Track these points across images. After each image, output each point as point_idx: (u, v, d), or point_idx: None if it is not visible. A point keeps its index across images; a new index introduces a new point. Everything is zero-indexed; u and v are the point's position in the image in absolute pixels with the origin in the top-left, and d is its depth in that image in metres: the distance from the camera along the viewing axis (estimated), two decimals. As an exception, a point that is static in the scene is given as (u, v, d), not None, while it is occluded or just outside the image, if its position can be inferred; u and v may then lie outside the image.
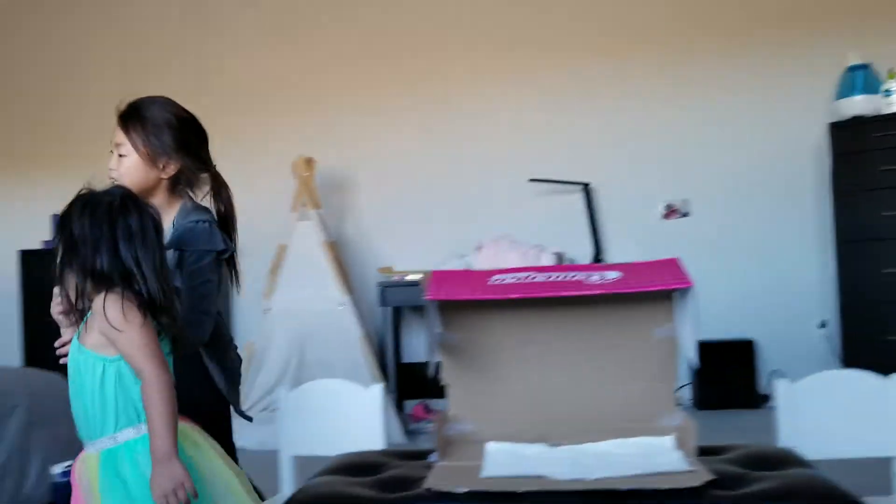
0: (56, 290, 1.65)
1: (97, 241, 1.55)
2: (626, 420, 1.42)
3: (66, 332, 1.71)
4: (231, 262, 2.09)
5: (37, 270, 4.77)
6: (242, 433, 4.34)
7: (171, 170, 1.99)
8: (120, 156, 1.96)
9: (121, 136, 1.96)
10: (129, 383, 1.54)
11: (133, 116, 1.97)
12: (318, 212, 4.77)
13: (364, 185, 5.16)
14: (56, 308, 1.72)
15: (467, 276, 1.49)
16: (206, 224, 2.00)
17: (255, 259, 5.17)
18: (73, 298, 1.59)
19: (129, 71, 5.27)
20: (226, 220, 2.08)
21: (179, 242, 1.96)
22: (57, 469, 2.88)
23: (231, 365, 2.18)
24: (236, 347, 2.24)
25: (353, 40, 5.17)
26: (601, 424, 1.41)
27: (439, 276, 1.46)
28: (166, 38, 5.34)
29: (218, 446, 1.73)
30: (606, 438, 1.38)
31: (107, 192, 1.63)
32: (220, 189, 2.09)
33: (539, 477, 1.25)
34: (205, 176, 2.06)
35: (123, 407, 1.54)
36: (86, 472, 1.57)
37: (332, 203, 5.06)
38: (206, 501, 1.56)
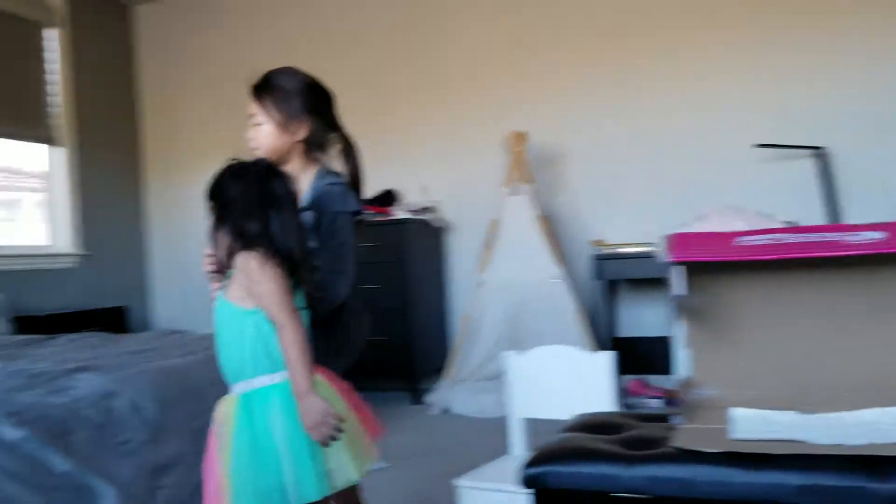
0: (207, 250, 1.85)
1: (247, 204, 1.72)
2: (890, 388, 1.33)
3: (214, 288, 1.88)
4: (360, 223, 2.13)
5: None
6: (459, 401, 4.57)
7: (302, 133, 2.07)
8: (256, 125, 2.08)
9: (254, 107, 2.07)
10: (266, 334, 1.67)
11: (264, 86, 2.08)
12: (529, 186, 4.82)
13: (575, 159, 5.14)
14: (207, 267, 1.90)
15: (710, 237, 1.46)
16: (341, 186, 2.07)
17: (468, 233, 5.34)
18: (223, 257, 1.75)
19: (341, 46, 5.58)
20: (355, 181, 2.13)
21: (316, 204, 2.04)
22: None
23: (344, 331, 2.12)
24: (368, 319, 2.23)
25: (565, 15, 5.15)
26: (861, 392, 1.33)
27: (682, 238, 1.44)
28: (383, 16, 5.59)
29: (344, 404, 1.79)
30: (867, 407, 1.31)
31: (253, 163, 1.82)
32: (349, 150, 2.14)
33: (795, 441, 1.21)
34: (334, 138, 2.13)
35: (260, 356, 1.68)
36: (224, 411, 1.73)
37: (543, 177, 5.10)
38: (300, 455, 1.64)
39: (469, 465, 2.96)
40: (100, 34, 5.95)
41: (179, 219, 6.19)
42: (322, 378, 1.74)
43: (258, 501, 1.62)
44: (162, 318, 6.23)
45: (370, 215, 5.07)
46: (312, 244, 1.98)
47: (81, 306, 5.44)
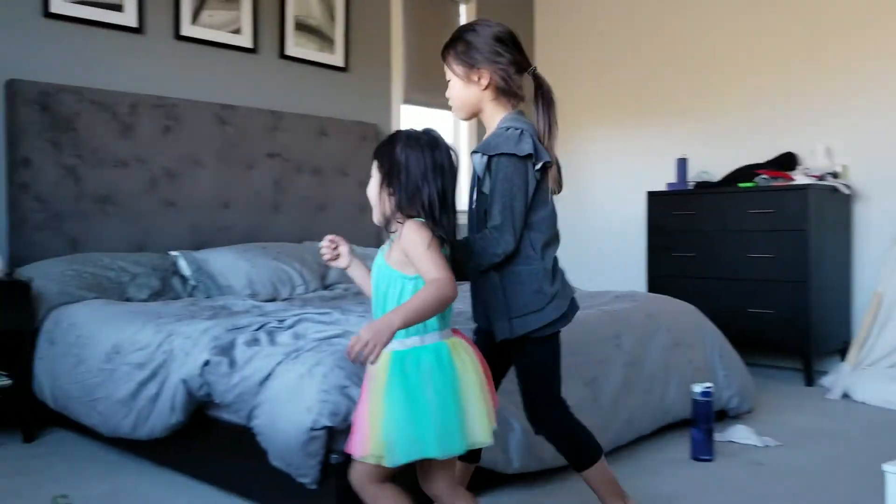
0: (328, 237, 2.02)
1: (416, 172, 1.78)
2: None
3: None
4: (547, 171, 2.03)
5: (659, 209, 5.18)
6: (862, 387, 4.12)
7: (485, 80, 2.03)
8: (448, 82, 2.08)
9: (445, 68, 2.08)
10: None
11: (446, 45, 2.09)
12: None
13: None
14: (325, 254, 2.00)
15: None
16: (516, 131, 1.98)
17: (881, 202, 4.75)
18: (385, 218, 1.84)
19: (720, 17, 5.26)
20: (549, 126, 2.04)
21: (485, 147, 1.99)
22: (697, 388, 3.09)
23: (510, 293, 2.01)
24: (562, 281, 2.10)
25: None
26: None
27: None
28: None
29: (480, 371, 1.82)
30: None
31: (423, 131, 1.85)
32: (541, 90, 2.06)
33: None
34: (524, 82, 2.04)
35: None
36: (377, 366, 1.76)
37: None
38: (448, 411, 1.71)
39: (874, 454, 2.66)
40: (506, 5, 6.34)
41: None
42: (465, 343, 1.83)
43: (409, 449, 1.71)
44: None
45: (765, 180, 4.76)
46: (484, 190, 1.99)
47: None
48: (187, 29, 4.41)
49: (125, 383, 2.82)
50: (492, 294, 2.05)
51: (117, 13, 4.14)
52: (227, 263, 4.04)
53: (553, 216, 2.12)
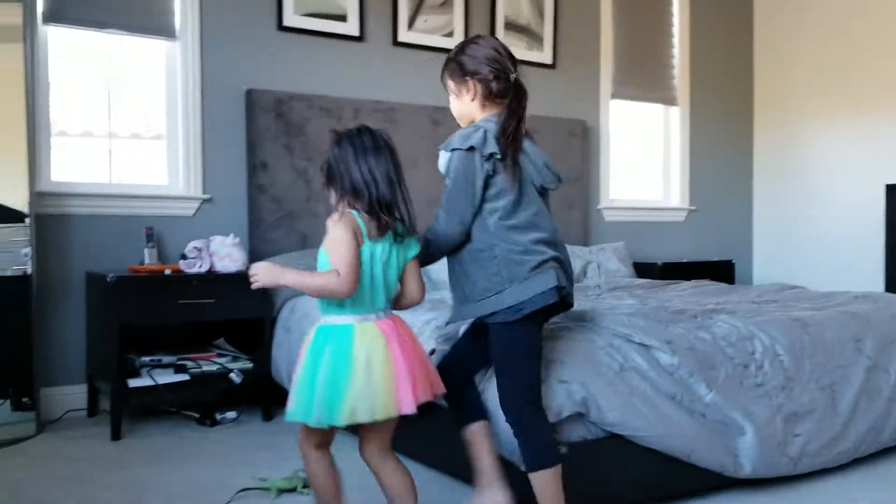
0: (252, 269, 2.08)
1: (341, 159, 1.98)
2: None
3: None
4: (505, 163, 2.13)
5: (898, 204, 4.74)
6: None
7: (472, 93, 2.22)
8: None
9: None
10: None
11: (445, 62, 2.30)
12: None
13: None
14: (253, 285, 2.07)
15: None
16: (475, 129, 2.15)
17: None
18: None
19: None
20: (507, 125, 2.14)
21: (445, 145, 2.21)
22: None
23: (467, 278, 2.17)
24: (539, 270, 2.13)
25: None
26: None
27: None
28: None
29: (390, 358, 1.94)
30: None
31: (352, 128, 2.04)
32: (513, 95, 2.19)
33: None
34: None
35: (333, 300, 1.96)
36: (308, 336, 2.01)
37: None
38: (332, 385, 1.90)
39: None
40: (715, -7, 6.08)
41: (784, 173, 6.04)
42: (382, 330, 1.97)
43: (297, 412, 1.94)
44: (760, 273, 6.19)
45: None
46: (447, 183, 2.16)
47: (689, 257, 5.72)
48: (404, 35, 4.62)
49: (354, 369, 2.99)
50: (452, 279, 2.25)
51: (342, 23, 4.41)
52: (443, 262, 4.16)
53: (521, 204, 2.18)
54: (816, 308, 3.18)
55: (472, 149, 2.12)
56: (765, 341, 2.69)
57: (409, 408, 1.94)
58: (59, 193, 3.73)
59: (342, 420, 1.89)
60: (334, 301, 1.96)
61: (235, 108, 4.15)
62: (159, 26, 3.99)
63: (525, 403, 2.10)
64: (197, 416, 3.60)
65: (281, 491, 2.59)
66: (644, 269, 5.18)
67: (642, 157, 5.92)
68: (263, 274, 2.01)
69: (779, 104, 6.08)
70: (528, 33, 5.10)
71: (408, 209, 2.02)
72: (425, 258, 2.17)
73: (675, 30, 5.86)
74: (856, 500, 2.56)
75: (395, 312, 2.08)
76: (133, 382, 3.43)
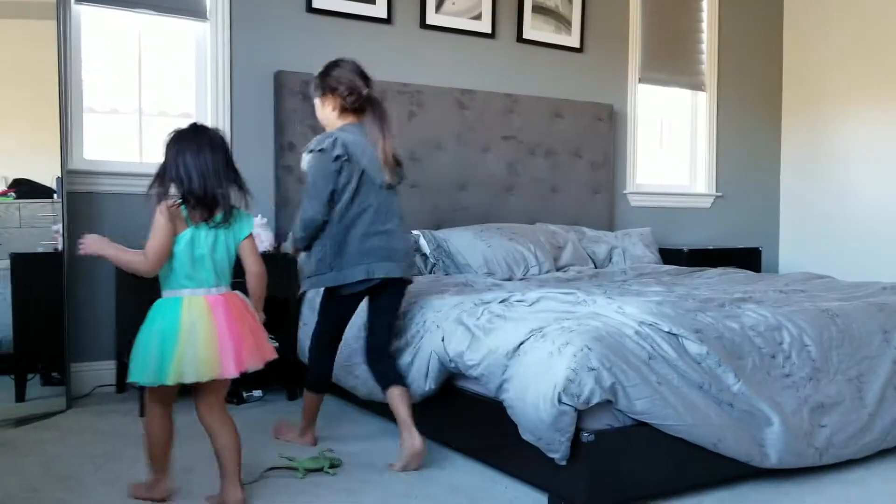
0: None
1: (167, 157, 2.31)
2: None
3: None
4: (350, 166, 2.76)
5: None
6: None
7: (331, 105, 2.87)
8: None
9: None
10: (168, 265, 2.27)
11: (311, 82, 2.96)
12: None
13: None
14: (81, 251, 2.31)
15: None
16: (328, 136, 2.77)
17: None
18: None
19: None
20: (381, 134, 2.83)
21: (306, 147, 2.84)
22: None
23: (313, 255, 2.85)
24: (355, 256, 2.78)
25: None
26: None
27: None
28: None
29: (213, 327, 2.24)
30: None
31: (183, 128, 2.35)
32: (373, 108, 2.86)
33: None
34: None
35: (164, 275, 2.29)
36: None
37: None
38: (162, 349, 2.20)
39: None
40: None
41: (812, 160, 5.97)
42: (205, 302, 2.26)
43: (138, 373, 2.24)
44: (787, 261, 6.15)
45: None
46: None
47: (715, 244, 5.69)
48: (432, 17, 4.60)
49: (381, 351, 3.02)
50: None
51: (370, 5, 4.41)
52: (464, 243, 4.19)
53: (354, 201, 2.78)
54: (844, 299, 3.16)
55: (322, 150, 2.75)
56: (793, 332, 2.68)
57: (232, 372, 2.25)
58: (91, 172, 3.77)
59: (171, 380, 2.21)
60: (169, 277, 2.28)
61: (264, 89, 4.17)
62: (190, 7, 4.01)
63: (318, 345, 2.97)
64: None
65: (308, 470, 2.62)
66: (670, 255, 5.16)
67: (669, 143, 5.87)
68: (91, 244, 2.27)
69: (808, 90, 6.01)
70: (555, 16, 5.06)
71: (231, 197, 2.33)
72: (306, 240, 2.85)
73: (704, 14, 5.79)
74: (881, 492, 2.55)
75: (235, 291, 2.39)
76: (162, 360, 3.47)
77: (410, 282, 2.99)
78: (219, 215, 2.30)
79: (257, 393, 3.67)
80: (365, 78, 2.87)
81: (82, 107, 3.83)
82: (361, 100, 2.84)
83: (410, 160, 4.49)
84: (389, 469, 2.70)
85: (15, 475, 2.60)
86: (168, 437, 2.40)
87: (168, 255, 2.26)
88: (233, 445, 2.35)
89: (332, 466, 2.66)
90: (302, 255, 3.01)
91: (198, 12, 4.03)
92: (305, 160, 2.82)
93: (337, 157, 2.74)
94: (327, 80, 2.87)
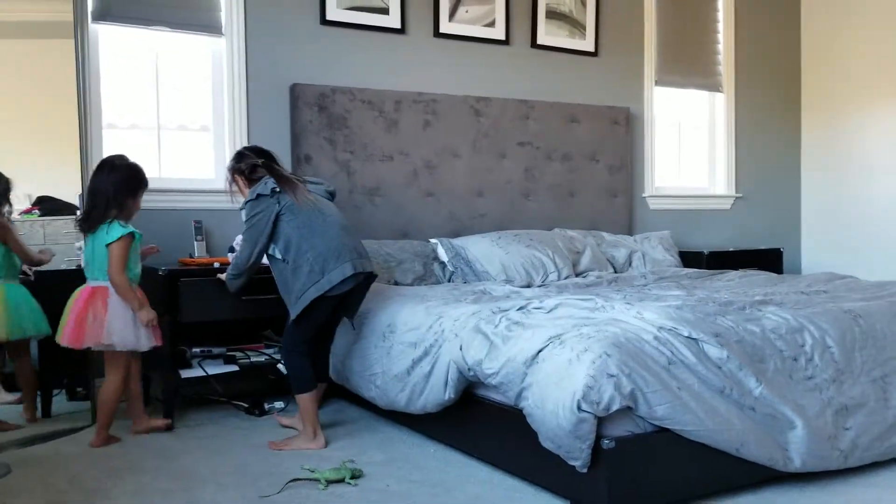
0: None
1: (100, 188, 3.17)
2: None
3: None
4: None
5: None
6: None
7: (240, 178, 3.32)
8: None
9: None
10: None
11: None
12: None
13: None
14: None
15: None
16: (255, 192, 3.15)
17: None
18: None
19: None
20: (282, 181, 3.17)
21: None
22: None
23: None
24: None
25: None
26: None
27: None
28: None
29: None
30: None
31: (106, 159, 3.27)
32: (270, 169, 3.23)
33: None
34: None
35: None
36: None
37: None
38: None
39: None
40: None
41: (833, 159, 5.91)
42: (79, 290, 3.19)
43: None
44: (809, 262, 6.08)
45: None
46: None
47: (735, 246, 5.64)
48: (445, 26, 4.62)
49: (400, 360, 3.02)
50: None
51: (383, 16, 4.43)
52: (482, 250, 4.19)
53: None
54: (867, 299, 3.12)
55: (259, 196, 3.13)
56: (815, 334, 2.65)
57: (65, 341, 3.12)
58: (111, 188, 3.81)
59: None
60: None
61: (279, 101, 4.20)
62: (206, 23, 4.05)
63: (297, 350, 3.14)
64: (246, 405, 3.67)
65: (329, 481, 2.63)
66: (690, 258, 5.13)
67: (687, 145, 5.84)
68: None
69: (827, 89, 5.95)
70: (570, 21, 5.05)
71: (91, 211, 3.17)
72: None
73: (720, 14, 5.76)
74: (909, 495, 2.52)
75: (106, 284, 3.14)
76: (185, 373, 3.51)
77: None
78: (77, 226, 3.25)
79: (279, 404, 3.69)
80: (257, 151, 3.35)
81: (101, 123, 3.88)
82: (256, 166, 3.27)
83: (426, 168, 4.51)
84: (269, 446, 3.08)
85: (43, 489, 2.63)
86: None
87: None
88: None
89: (353, 477, 2.67)
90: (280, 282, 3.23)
91: (213, 28, 4.07)
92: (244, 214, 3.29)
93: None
94: (234, 164, 3.34)
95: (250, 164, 3.24)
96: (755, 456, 2.38)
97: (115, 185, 3.13)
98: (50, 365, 3.51)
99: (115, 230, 3.10)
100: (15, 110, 3.56)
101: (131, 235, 3.16)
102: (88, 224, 3.13)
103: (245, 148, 3.43)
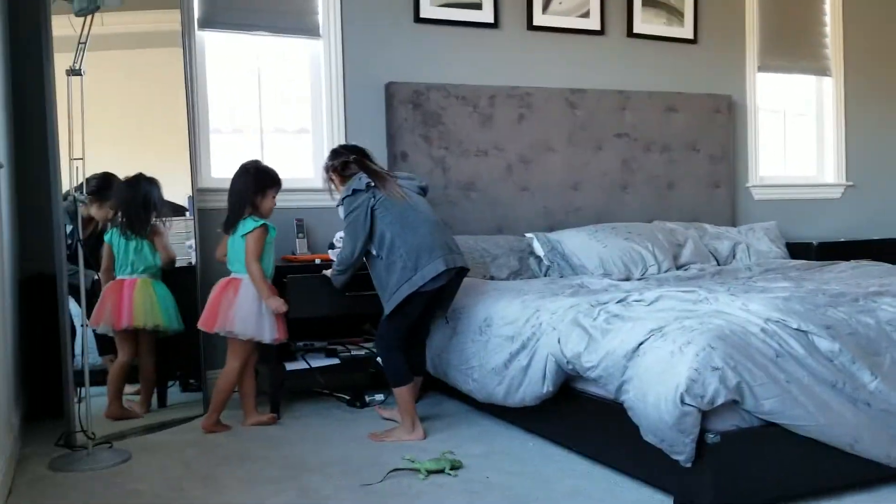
0: None
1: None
2: None
3: None
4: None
5: None
6: None
7: (336, 176, 3.42)
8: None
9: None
10: None
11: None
12: None
13: None
14: None
15: None
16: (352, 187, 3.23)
17: None
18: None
19: None
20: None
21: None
22: None
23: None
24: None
25: None
26: None
27: None
28: None
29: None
30: None
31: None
32: (360, 164, 3.33)
33: None
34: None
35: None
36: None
37: None
38: None
39: None
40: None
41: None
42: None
43: None
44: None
45: None
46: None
47: (847, 236, 5.39)
48: (539, 18, 4.60)
49: (497, 354, 3.03)
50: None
51: (476, 11, 4.45)
52: (579, 244, 4.15)
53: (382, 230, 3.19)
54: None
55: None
56: (936, 325, 2.51)
57: (200, 324, 3.44)
58: (218, 189, 3.97)
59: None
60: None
61: (375, 100, 4.28)
62: (304, 26, 4.17)
63: (392, 344, 3.20)
64: (347, 398, 3.76)
65: (429, 472, 2.67)
66: (798, 250, 4.93)
67: (792, 132, 5.61)
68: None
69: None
70: (667, 8, 4.94)
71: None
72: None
73: (829, 2, 5.50)
74: None
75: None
76: (290, 366, 3.63)
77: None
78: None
79: (379, 396, 3.76)
80: (348, 148, 3.50)
81: (209, 128, 4.05)
82: (349, 163, 3.36)
83: (521, 163, 4.51)
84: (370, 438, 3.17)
85: (161, 475, 2.77)
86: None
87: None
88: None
89: (452, 468, 2.70)
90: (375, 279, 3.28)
91: (311, 31, 4.18)
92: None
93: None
94: (329, 163, 3.46)
95: (342, 160, 3.35)
96: (870, 453, 2.28)
97: (247, 186, 3.40)
98: (165, 357, 3.69)
99: (248, 223, 3.35)
100: (127, 118, 3.75)
101: (265, 227, 3.37)
102: (227, 224, 3.41)
103: (339, 146, 3.55)
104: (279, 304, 3.33)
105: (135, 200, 3.53)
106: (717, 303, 2.60)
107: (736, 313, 2.45)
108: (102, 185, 3.48)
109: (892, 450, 2.31)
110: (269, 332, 3.36)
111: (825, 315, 2.44)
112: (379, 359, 3.39)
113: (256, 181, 3.42)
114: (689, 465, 2.20)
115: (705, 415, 2.17)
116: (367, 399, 3.73)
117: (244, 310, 3.32)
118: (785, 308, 2.45)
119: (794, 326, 2.35)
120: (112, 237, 3.51)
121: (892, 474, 2.38)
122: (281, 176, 4.10)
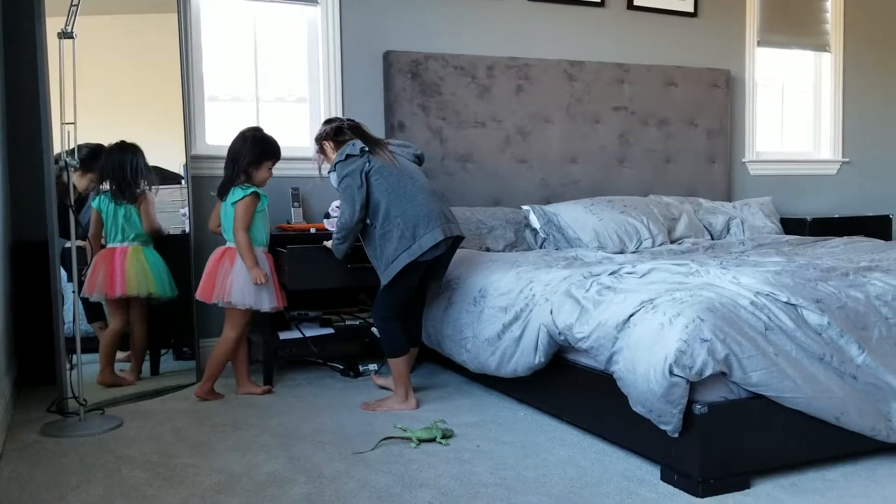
0: None
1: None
2: None
3: None
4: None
5: None
6: None
7: (328, 144, 3.33)
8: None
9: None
10: None
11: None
12: None
13: None
14: None
15: None
16: (344, 153, 3.20)
17: None
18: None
19: None
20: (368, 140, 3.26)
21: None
22: None
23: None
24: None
25: None
26: None
27: None
28: None
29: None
30: None
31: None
32: (354, 130, 3.31)
33: None
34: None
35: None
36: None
37: None
38: None
39: None
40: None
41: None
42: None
43: None
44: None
45: None
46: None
47: (841, 213, 5.39)
48: (538, -12, 4.55)
49: (491, 325, 3.05)
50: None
51: (475, -19, 4.40)
52: (574, 217, 4.15)
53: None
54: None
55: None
56: (928, 301, 2.52)
57: (198, 294, 3.45)
58: (213, 157, 3.95)
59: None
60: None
61: (373, 70, 4.25)
62: (300, -7, 4.13)
63: (387, 316, 3.20)
64: (341, 367, 3.78)
65: (421, 440, 2.69)
66: (792, 226, 4.94)
67: (790, 108, 5.59)
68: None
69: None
70: (667, -20, 4.90)
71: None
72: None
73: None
74: None
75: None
76: (283, 335, 3.64)
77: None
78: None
79: (373, 366, 3.78)
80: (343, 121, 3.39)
81: (204, 95, 4.02)
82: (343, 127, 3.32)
83: (519, 135, 4.49)
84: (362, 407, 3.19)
85: (153, 441, 2.79)
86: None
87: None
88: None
89: (444, 437, 2.72)
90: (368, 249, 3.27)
91: (309, -2, 4.15)
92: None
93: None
94: (321, 133, 3.38)
95: (336, 125, 3.31)
96: (856, 425, 2.30)
97: (241, 154, 3.36)
98: (158, 326, 3.70)
99: (238, 192, 3.32)
100: (120, 84, 3.72)
101: (255, 195, 3.34)
102: (220, 191, 3.40)
103: (331, 118, 3.52)
104: (258, 275, 3.28)
105: (122, 166, 3.51)
106: (708, 276, 2.61)
107: (726, 286, 2.46)
108: (91, 155, 3.45)
109: (877, 423, 2.33)
110: (269, 301, 3.36)
111: (815, 289, 2.46)
112: (374, 329, 3.39)
113: (253, 150, 3.37)
114: (676, 435, 2.22)
115: (693, 386, 2.18)
116: (361, 369, 3.75)
117: (241, 280, 3.32)
118: (775, 281, 2.45)
119: (784, 300, 2.36)
120: (101, 203, 3.50)
121: (876, 447, 2.41)
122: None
